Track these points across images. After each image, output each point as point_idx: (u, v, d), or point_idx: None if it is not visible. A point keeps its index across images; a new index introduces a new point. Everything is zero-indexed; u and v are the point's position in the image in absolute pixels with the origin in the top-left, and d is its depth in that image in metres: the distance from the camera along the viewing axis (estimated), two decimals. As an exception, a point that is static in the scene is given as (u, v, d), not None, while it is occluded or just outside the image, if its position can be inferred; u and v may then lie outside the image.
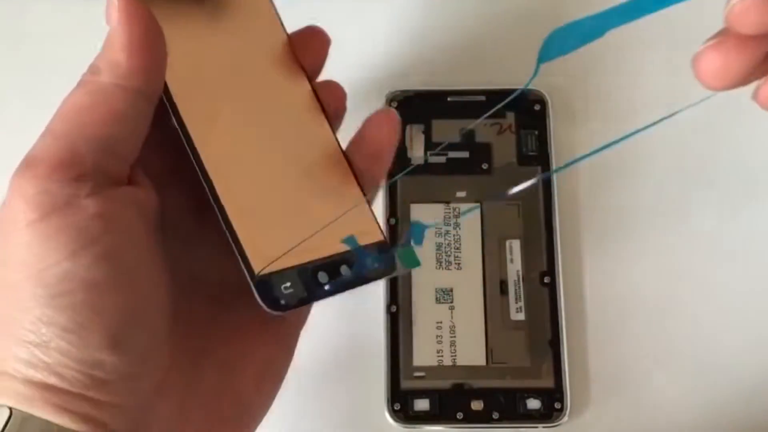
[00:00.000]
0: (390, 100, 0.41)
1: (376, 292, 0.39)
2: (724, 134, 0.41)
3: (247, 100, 0.29)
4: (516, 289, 0.39)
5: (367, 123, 0.31)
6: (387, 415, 0.37)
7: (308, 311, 0.31)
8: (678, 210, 0.40)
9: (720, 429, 0.38)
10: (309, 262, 0.28)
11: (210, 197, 0.27)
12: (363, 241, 0.29)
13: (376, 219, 0.30)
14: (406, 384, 0.38)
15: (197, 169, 0.27)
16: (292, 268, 0.27)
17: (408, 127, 0.41)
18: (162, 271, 0.26)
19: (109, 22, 0.25)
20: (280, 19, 0.31)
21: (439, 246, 0.39)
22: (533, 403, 0.37)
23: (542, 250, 0.39)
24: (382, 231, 0.30)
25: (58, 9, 0.43)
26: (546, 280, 0.39)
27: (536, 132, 0.41)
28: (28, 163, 0.23)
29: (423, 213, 0.40)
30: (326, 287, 0.28)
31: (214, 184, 0.27)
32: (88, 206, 0.23)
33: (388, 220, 0.39)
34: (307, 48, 0.31)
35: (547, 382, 0.38)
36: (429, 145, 0.41)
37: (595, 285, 0.39)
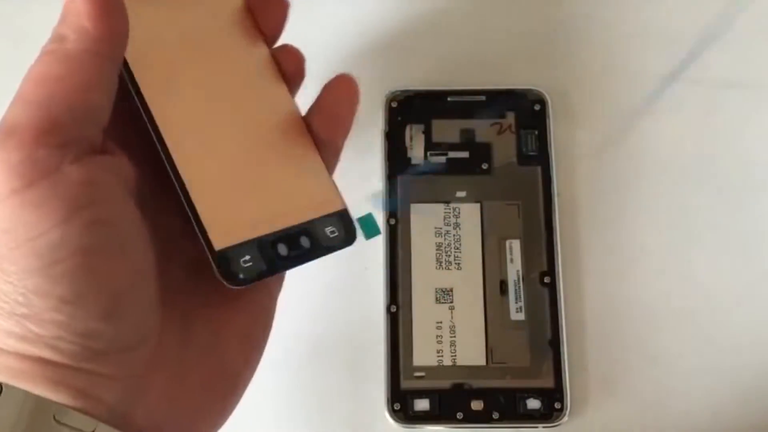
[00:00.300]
0: (390, 100, 0.41)
1: (376, 292, 0.39)
2: (726, 134, 0.41)
3: (203, 67, 0.29)
4: (516, 289, 0.39)
5: (327, 88, 0.31)
6: (387, 415, 0.37)
7: (283, 277, 0.31)
8: (678, 209, 0.40)
9: (720, 429, 0.38)
10: (268, 234, 0.27)
11: (168, 169, 0.26)
12: (323, 210, 0.29)
13: (336, 187, 0.30)
14: (406, 384, 0.38)
15: (155, 139, 0.26)
16: (252, 241, 0.27)
17: (408, 127, 0.41)
18: (146, 237, 0.25)
19: None
20: None
21: (439, 246, 0.39)
22: (533, 403, 0.37)
23: (542, 250, 0.39)
24: (342, 200, 0.30)
25: (58, 9, 0.42)
26: (546, 280, 0.39)
27: (536, 132, 0.41)
28: (8, 131, 0.23)
29: (423, 213, 0.40)
30: (286, 259, 0.27)
31: (172, 157, 0.26)
32: (73, 173, 0.23)
33: (388, 221, 0.39)
34: (265, 11, 0.30)
35: (547, 382, 0.38)
36: (429, 145, 0.41)
37: (595, 285, 0.39)
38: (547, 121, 0.41)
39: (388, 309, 0.38)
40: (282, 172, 0.29)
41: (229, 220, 0.27)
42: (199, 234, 0.26)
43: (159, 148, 0.26)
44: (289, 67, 0.31)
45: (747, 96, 0.42)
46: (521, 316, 0.38)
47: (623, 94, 0.42)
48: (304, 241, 0.28)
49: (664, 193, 0.41)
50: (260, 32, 0.30)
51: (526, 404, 0.37)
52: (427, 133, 0.41)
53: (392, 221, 0.39)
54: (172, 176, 0.26)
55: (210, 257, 0.26)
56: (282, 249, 0.27)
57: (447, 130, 0.41)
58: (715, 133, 0.41)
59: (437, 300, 0.39)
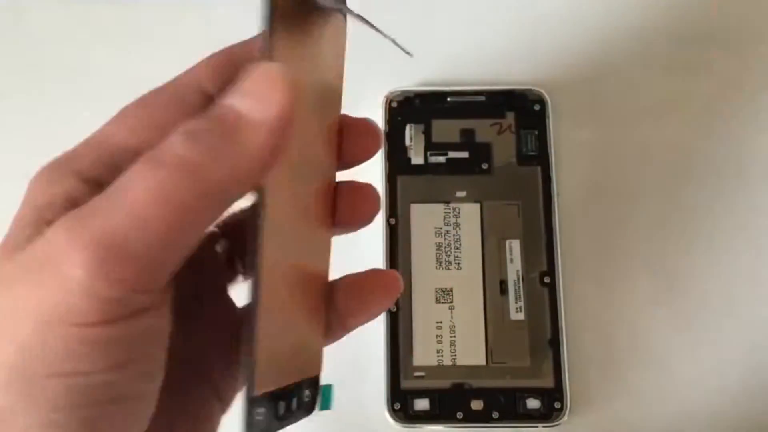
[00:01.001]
0: (390, 100, 0.41)
1: (376, 292, 0.39)
2: (726, 133, 0.41)
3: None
4: (516, 289, 0.39)
5: (369, 274, 0.26)
6: (387, 415, 0.37)
7: None
8: (677, 210, 0.40)
9: (719, 429, 0.38)
10: (276, 390, 0.23)
11: (252, 298, 0.22)
12: (312, 370, 0.26)
13: (322, 353, 0.26)
14: (406, 384, 0.38)
15: (256, 270, 0.22)
16: (267, 394, 0.23)
17: (408, 127, 0.41)
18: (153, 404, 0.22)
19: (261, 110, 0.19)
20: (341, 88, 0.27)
21: (439, 246, 0.39)
22: (533, 403, 0.37)
23: (542, 250, 0.39)
24: (321, 366, 0.27)
25: (58, 9, 0.43)
26: (546, 280, 0.39)
27: (536, 132, 0.41)
28: (112, 252, 0.18)
29: (423, 213, 0.40)
30: (279, 420, 0.24)
31: (260, 287, 0.22)
32: (142, 321, 0.20)
33: (388, 220, 0.39)
34: (353, 142, 0.26)
35: (547, 382, 0.38)
36: (429, 145, 0.41)
37: (594, 285, 0.39)
38: (547, 121, 0.41)
39: (388, 309, 0.38)
40: (305, 322, 0.25)
41: (273, 366, 0.23)
42: (245, 372, 0.22)
43: (254, 275, 0.21)
44: (353, 213, 0.26)
45: (747, 96, 0.42)
46: (521, 316, 0.38)
47: (623, 94, 0.42)
48: (294, 404, 0.25)
49: (663, 193, 0.41)
50: (335, 157, 0.26)
51: (525, 404, 0.37)
52: (427, 133, 0.41)
53: (392, 221, 0.39)
54: (252, 303, 0.22)
55: (245, 400, 0.22)
56: (281, 407, 0.24)
57: (447, 130, 0.41)
58: (715, 133, 0.41)
59: (437, 300, 0.39)
